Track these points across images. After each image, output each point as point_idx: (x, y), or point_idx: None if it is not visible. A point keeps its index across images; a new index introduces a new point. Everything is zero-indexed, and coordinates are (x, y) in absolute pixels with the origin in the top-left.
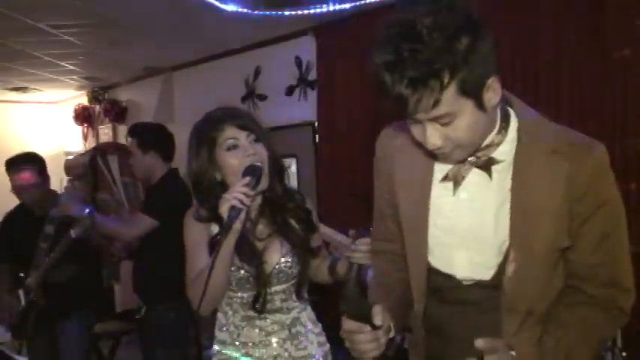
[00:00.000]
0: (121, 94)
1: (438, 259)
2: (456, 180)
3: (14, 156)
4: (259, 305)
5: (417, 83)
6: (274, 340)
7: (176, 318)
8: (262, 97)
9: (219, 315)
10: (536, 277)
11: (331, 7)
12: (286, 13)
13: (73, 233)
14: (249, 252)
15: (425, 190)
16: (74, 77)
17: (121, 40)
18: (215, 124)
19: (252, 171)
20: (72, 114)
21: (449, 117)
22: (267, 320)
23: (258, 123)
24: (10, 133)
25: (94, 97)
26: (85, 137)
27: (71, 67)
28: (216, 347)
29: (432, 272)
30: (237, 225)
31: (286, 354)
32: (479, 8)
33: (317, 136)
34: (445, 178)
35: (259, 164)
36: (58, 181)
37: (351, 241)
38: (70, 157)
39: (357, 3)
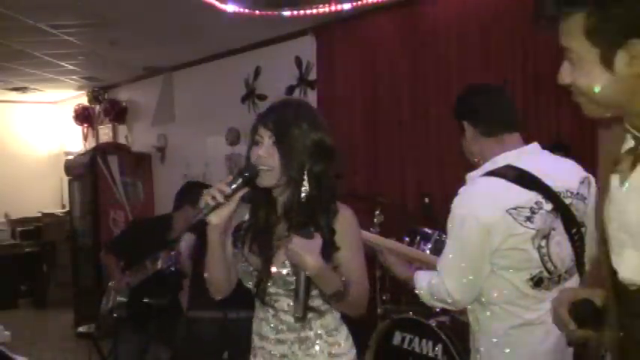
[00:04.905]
0: (121, 94)
1: (615, 259)
2: (622, 170)
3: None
4: (261, 293)
5: (560, 3)
6: (284, 339)
7: None
8: (262, 97)
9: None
10: None
11: (331, 7)
12: (286, 13)
13: (159, 264)
14: (263, 242)
15: (608, 179)
16: (74, 77)
17: (121, 40)
18: (258, 117)
19: (245, 169)
20: (72, 114)
21: (573, 54)
22: (279, 319)
23: (288, 125)
24: (10, 133)
25: (94, 97)
26: (85, 137)
27: (71, 67)
28: (254, 338)
29: (615, 276)
30: (215, 219)
31: (293, 357)
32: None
33: None
34: (616, 166)
35: (261, 166)
36: (58, 181)
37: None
38: (70, 157)
39: (357, 3)
